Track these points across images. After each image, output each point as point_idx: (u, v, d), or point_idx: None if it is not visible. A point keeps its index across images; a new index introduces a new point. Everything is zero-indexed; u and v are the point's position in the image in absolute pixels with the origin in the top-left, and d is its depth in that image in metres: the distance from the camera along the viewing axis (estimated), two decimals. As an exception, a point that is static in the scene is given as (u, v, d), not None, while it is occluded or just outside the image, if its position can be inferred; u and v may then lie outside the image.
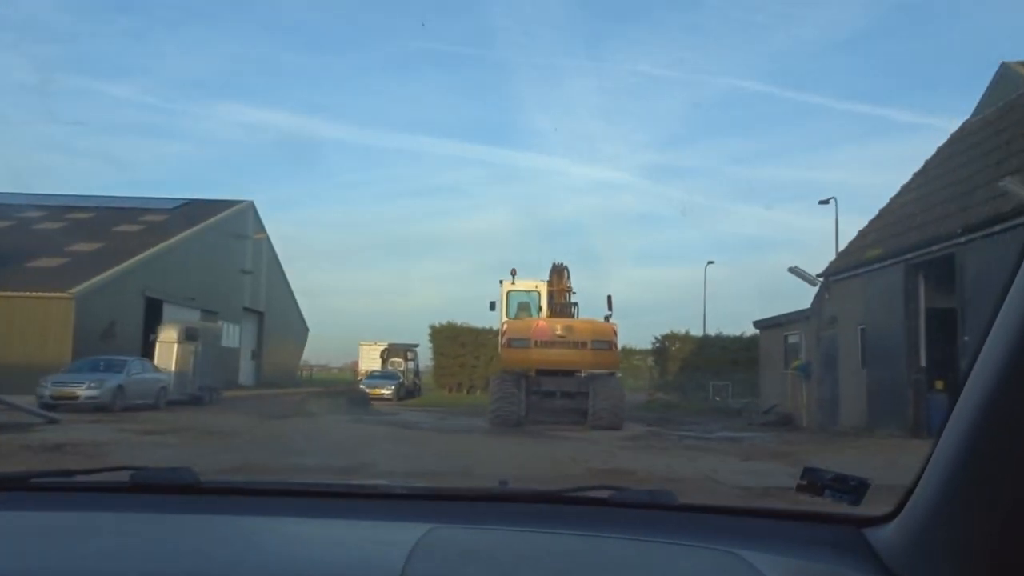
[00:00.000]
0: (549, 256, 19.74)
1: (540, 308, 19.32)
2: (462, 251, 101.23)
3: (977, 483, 1.00)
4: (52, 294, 25.65)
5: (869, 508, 1.38)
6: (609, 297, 19.15)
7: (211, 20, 75.36)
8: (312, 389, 31.92)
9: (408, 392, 36.98)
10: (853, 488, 1.43)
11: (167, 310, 31.75)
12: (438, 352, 39.36)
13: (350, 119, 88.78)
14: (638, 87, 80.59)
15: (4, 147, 62.00)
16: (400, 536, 1.31)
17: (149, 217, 37.48)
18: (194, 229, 35.82)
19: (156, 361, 25.24)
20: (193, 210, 39.49)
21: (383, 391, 33.68)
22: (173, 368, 25.21)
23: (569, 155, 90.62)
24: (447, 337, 38.98)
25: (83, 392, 19.61)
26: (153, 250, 31.64)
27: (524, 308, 19.52)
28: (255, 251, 44.18)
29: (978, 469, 1.00)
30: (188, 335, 26.13)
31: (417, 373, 42.74)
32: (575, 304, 19.94)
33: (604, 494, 1.56)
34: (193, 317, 33.41)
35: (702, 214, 72.16)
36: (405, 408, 28.80)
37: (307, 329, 57.03)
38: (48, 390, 19.63)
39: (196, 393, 25.90)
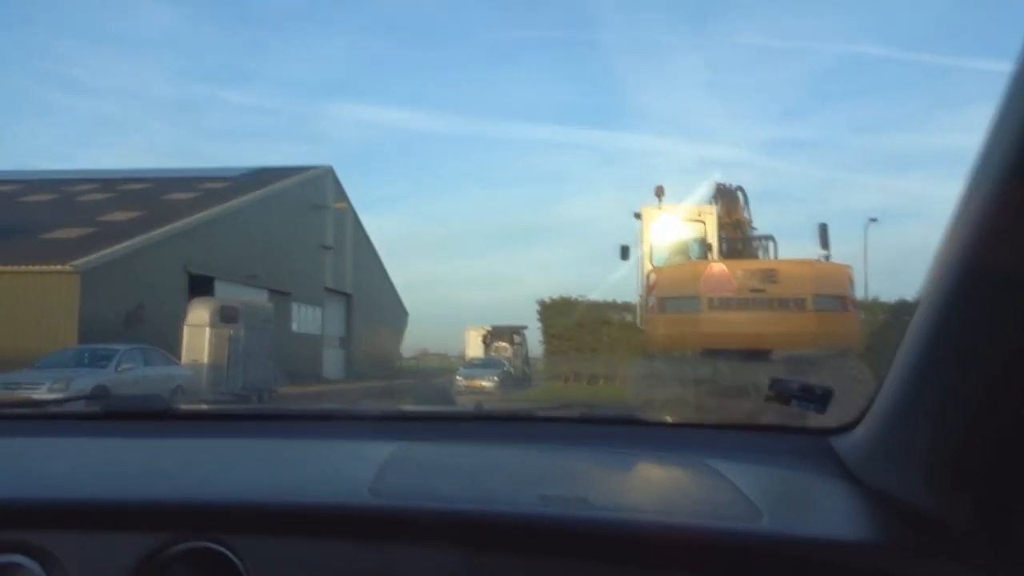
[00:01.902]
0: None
1: (710, 248, 11.68)
2: (572, 236, 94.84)
3: (929, 393, 1.02)
4: (49, 268, 19.70)
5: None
6: (823, 227, 11.34)
7: (320, 24, 73.07)
8: (375, 383, 25.64)
9: (516, 382, 30.32)
10: (819, 397, 1.44)
11: (220, 289, 26.12)
12: (549, 334, 31.96)
13: (454, 110, 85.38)
14: (748, 60, 72.34)
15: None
16: (372, 452, 1.33)
17: (209, 185, 32.22)
18: (254, 195, 30.03)
19: (184, 350, 19.45)
20: (262, 177, 34.01)
21: (483, 383, 27.26)
22: (205, 359, 19.30)
23: (679, 134, 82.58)
24: (560, 314, 31.55)
25: (42, 396, 13.77)
26: (197, 216, 25.76)
27: (681, 251, 11.93)
28: (337, 224, 38.42)
29: (930, 379, 1.01)
30: (224, 316, 20.08)
31: (526, 360, 36.05)
32: (769, 238, 12.18)
33: (575, 413, 1.67)
34: (259, 297, 27.93)
35: (823, 187, 62.94)
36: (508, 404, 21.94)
37: (406, 313, 51.41)
38: (-3, 394, 14.01)
39: (239, 392, 20.00)
